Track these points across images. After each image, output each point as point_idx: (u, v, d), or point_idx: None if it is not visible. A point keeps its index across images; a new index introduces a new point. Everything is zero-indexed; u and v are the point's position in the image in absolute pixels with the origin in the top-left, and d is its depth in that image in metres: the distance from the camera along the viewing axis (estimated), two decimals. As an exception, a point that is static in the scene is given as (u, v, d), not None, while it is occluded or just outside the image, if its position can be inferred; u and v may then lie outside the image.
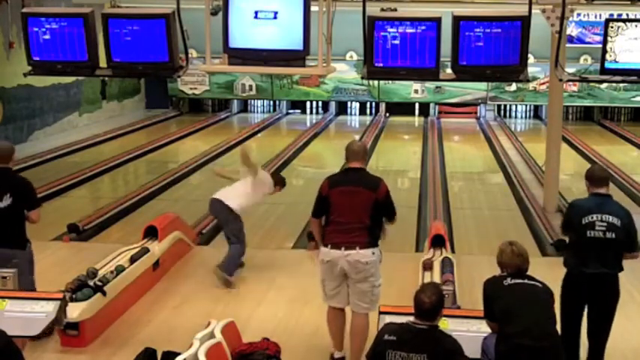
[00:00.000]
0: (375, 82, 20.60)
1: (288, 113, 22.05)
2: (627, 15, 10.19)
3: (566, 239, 5.84)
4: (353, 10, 6.33)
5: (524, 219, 10.59)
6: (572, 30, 18.43)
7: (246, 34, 5.81)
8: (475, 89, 20.69)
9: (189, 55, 6.12)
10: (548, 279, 4.96)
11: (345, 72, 20.46)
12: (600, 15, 16.35)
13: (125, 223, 10.13)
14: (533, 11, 5.58)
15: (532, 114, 21.78)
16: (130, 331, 6.47)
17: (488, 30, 5.56)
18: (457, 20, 5.58)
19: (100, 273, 6.64)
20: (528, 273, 4.88)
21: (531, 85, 20.35)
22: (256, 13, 5.73)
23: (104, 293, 6.33)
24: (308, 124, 20.74)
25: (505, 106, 21.73)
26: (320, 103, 22.07)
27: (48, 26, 5.95)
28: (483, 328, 5.07)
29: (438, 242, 7.81)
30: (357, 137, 17.07)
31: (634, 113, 21.14)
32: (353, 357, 5.75)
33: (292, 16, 5.70)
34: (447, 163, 14.68)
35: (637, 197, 11.73)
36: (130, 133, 18.17)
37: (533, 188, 12.29)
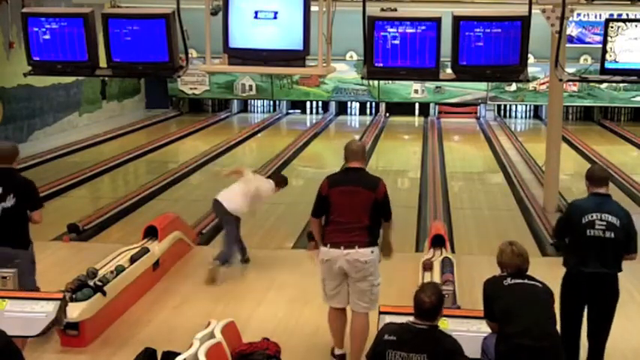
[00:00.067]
0: (375, 82, 20.61)
1: (288, 113, 22.05)
2: (627, 15, 10.19)
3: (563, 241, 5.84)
4: (353, 10, 6.33)
5: (524, 219, 10.60)
6: (572, 30, 18.43)
7: (246, 34, 5.81)
8: (475, 89, 20.69)
9: (189, 55, 6.12)
10: (548, 279, 4.96)
11: (345, 72, 20.46)
12: (600, 15, 16.35)
13: (125, 223, 10.13)
14: (533, 11, 5.58)
15: (532, 114, 21.78)
16: (130, 331, 6.47)
17: (488, 30, 5.56)
18: (457, 20, 5.58)
19: (100, 273, 6.64)
20: (528, 273, 4.88)
21: (531, 85, 20.35)
22: (256, 13, 5.73)
23: (104, 293, 6.32)
24: (308, 124, 20.75)
25: (505, 106, 21.74)
26: (320, 103, 22.07)
27: (48, 26, 5.95)
28: (483, 328, 5.07)
29: (438, 242, 7.81)
30: (357, 137, 17.06)
31: (634, 113, 21.14)
32: (353, 357, 5.75)
33: (292, 16, 5.69)
34: (447, 163, 14.68)
35: (637, 197, 11.73)
36: (130, 133, 18.18)
37: (533, 188, 12.29)
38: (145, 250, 7.47)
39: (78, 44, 5.94)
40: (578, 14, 17.67)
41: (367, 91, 21.08)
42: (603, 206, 5.41)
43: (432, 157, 15.30)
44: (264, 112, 22.34)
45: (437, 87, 20.79)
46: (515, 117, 21.78)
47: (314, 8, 5.76)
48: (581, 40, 18.97)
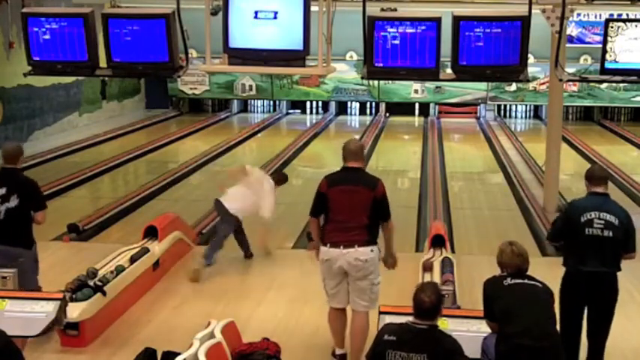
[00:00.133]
0: (375, 82, 20.60)
1: (288, 113, 22.05)
2: (627, 15, 10.20)
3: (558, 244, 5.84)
4: (353, 10, 6.33)
5: (524, 219, 10.59)
6: (572, 30, 18.43)
7: (246, 34, 5.81)
8: (475, 89, 20.68)
9: (189, 55, 6.12)
10: (548, 279, 4.96)
11: (345, 72, 20.45)
12: (600, 15, 16.35)
13: (125, 223, 10.13)
14: (533, 11, 5.58)
15: (532, 114, 21.78)
16: (130, 331, 6.47)
17: (488, 30, 5.57)
18: (457, 20, 5.58)
19: (100, 273, 6.64)
20: (528, 273, 4.88)
21: (531, 85, 20.34)
22: (256, 13, 5.73)
23: (104, 293, 6.32)
24: (308, 124, 20.74)
25: (505, 106, 21.73)
26: (320, 103, 22.07)
27: (48, 26, 5.96)
28: (483, 328, 5.07)
29: (438, 242, 7.81)
30: (357, 137, 17.05)
31: (634, 113, 21.13)
32: (353, 356, 5.76)
33: (292, 16, 5.70)
34: (447, 163, 14.68)
35: (637, 197, 11.73)
36: (130, 133, 18.17)
37: (533, 188, 12.29)
38: (145, 250, 7.47)
39: (78, 44, 5.95)
40: (578, 14, 17.66)
41: (367, 91, 21.08)
42: (602, 205, 5.41)
43: (432, 157, 15.30)
44: (264, 112, 22.33)
45: (437, 87, 20.79)
46: (515, 117, 21.77)
47: (314, 8, 5.76)
48: (581, 40, 18.97)
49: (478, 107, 21.55)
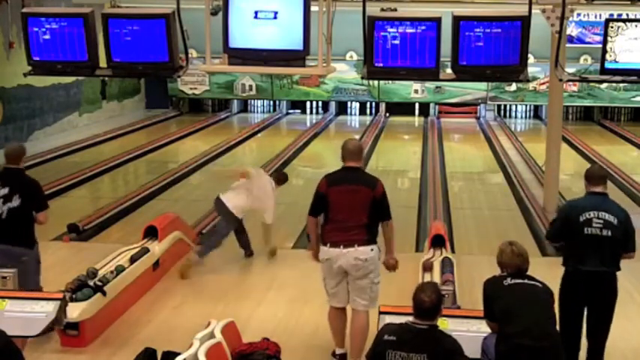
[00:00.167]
0: (375, 82, 20.60)
1: (288, 113, 22.05)
2: (627, 15, 10.20)
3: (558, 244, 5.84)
4: (353, 10, 6.33)
5: (524, 219, 10.59)
6: (572, 30, 18.43)
7: (246, 34, 5.81)
8: (475, 89, 20.68)
9: (189, 55, 6.12)
10: (548, 279, 4.96)
11: (345, 72, 20.46)
12: (600, 15, 16.35)
13: (125, 223, 10.13)
14: (533, 11, 5.58)
15: (532, 114, 21.78)
16: (130, 331, 6.47)
17: (488, 30, 5.57)
18: (457, 20, 5.58)
19: (100, 273, 6.64)
20: (528, 273, 4.88)
21: (531, 85, 20.34)
22: (256, 13, 5.73)
23: (104, 293, 6.32)
24: (308, 124, 20.74)
25: (505, 106, 21.74)
26: (320, 103, 22.07)
27: (48, 26, 5.96)
28: (483, 328, 5.07)
29: (438, 242, 7.81)
30: (357, 137, 17.05)
31: (634, 113, 21.14)
32: (353, 355, 5.76)
33: (292, 16, 5.70)
34: (447, 163, 14.68)
35: (637, 197, 11.73)
36: (130, 133, 18.17)
37: (533, 188, 12.29)
38: (145, 250, 7.47)
39: (78, 44, 5.95)
40: (578, 14, 17.66)
41: (367, 91, 21.08)
42: (601, 205, 5.41)
43: (432, 157, 15.29)
44: (264, 112, 22.33)
45: (437, 87, 20.79)
46: (515, 117, 21.77)
47: (314, 8, 5.76)
48: (581, 40, 18.97)
49: (478, 107, 21.55)
